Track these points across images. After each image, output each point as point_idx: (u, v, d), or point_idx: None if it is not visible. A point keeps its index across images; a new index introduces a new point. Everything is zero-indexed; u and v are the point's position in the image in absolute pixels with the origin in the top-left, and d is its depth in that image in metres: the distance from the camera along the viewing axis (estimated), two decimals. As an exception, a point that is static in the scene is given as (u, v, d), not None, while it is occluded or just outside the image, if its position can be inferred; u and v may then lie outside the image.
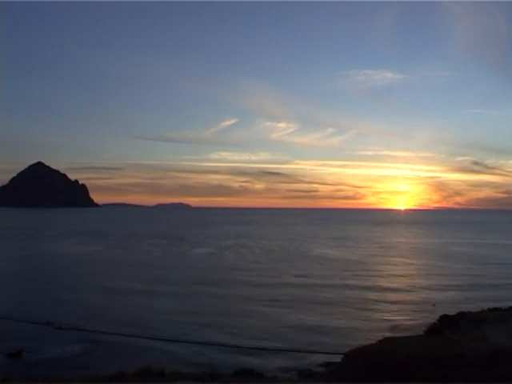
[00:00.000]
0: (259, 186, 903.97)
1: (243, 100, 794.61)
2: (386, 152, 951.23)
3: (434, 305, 40.95)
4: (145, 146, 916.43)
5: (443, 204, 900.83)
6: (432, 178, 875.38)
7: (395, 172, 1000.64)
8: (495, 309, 29.05)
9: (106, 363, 23.89)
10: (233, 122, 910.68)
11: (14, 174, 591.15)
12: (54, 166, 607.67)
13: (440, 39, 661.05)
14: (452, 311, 29.48)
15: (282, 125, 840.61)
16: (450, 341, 15.41)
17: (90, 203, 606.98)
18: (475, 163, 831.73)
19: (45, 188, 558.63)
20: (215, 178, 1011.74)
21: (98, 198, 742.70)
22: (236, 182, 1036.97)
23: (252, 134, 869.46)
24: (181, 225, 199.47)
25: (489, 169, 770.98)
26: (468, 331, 19.35)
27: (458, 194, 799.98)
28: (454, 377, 11.19)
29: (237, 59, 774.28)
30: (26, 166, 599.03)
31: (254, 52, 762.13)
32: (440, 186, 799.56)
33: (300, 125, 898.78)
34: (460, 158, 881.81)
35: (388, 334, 29.12)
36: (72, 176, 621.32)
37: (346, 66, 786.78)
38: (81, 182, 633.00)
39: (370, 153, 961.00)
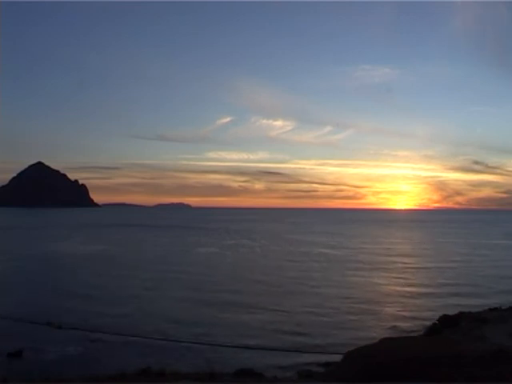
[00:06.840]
0: (259, 185, 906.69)
1: (240, 98, 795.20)
2: (386, 151, 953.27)
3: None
4: (143, 145, 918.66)
5: (443, 204, 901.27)
6: (432, 177, 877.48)
7: (395, 171, 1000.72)
8: (495, 309, 29.15)
9: (106, 363, 23.87)
10: (228, 119, 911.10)
11: (14, 174, 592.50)
12: (54, 166, 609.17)
13: (441, 36, 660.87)
14: (452, 311, 29.52)
15: (278, 123, 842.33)
16: (450, 341, 15.41)
17: (90, 203, 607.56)
18: (476, 162, 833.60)
19: (45, 188, 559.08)
20: (215, 178, 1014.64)
21: (97, 197, 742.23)
22: (235, 182, 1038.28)
23: (249, 132, 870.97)
24: (181, 224, 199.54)
25: (490, 168, 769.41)
26: (468, 331, 19.39)
27: (458, 193, 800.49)
28: (454, 377, 11.18)
29: (233, 57, 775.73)
30: (26, 166, 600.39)
31: (250, 50, 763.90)
32: (440, 186, 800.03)
33: (298, 123, 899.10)
34: (460, 157, 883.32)
35: (388, 334, 29.11)
36: (72, 176, 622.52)
37: (344, 62, 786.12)
38: (81, 181, 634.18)
39: (369, 151, 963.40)
